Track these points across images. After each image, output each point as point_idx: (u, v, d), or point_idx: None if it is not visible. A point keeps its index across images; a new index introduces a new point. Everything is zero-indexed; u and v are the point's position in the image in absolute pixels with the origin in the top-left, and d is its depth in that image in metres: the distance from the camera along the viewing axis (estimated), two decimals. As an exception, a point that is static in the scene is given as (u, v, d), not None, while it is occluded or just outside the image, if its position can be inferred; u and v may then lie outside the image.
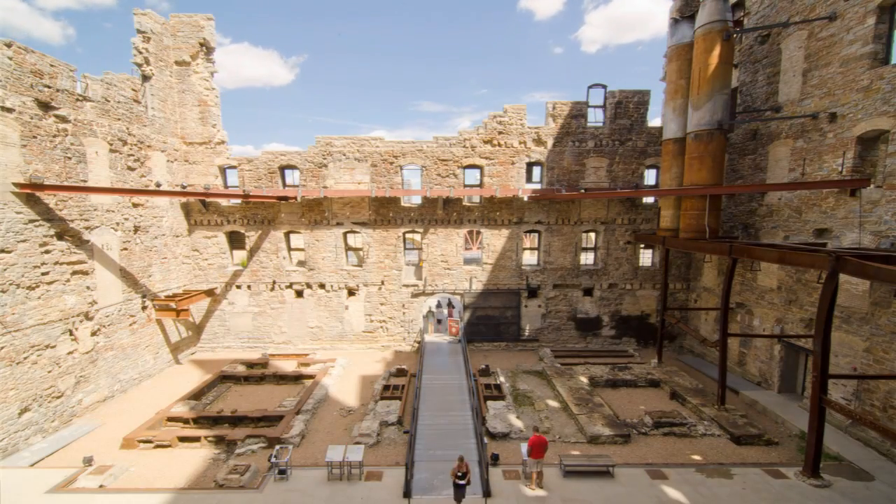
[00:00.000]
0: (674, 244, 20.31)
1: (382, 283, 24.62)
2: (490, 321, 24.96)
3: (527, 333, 25.05)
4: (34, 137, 14.84)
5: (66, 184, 15.98)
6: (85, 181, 16.93)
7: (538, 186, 24.50)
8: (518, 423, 15.68)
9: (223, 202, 23.95)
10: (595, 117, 23.91)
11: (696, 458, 13.84)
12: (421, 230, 24.44)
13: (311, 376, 20.26)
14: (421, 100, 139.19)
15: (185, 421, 15.90)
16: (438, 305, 28.51)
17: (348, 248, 25.33)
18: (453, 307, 26.51)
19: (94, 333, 17.32)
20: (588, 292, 24.89)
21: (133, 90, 19.88)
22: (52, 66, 15.43)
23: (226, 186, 24.54)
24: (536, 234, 25.00)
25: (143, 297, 20.37)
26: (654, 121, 23.91)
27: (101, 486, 12.16)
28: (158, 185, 21.04)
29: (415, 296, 24.86)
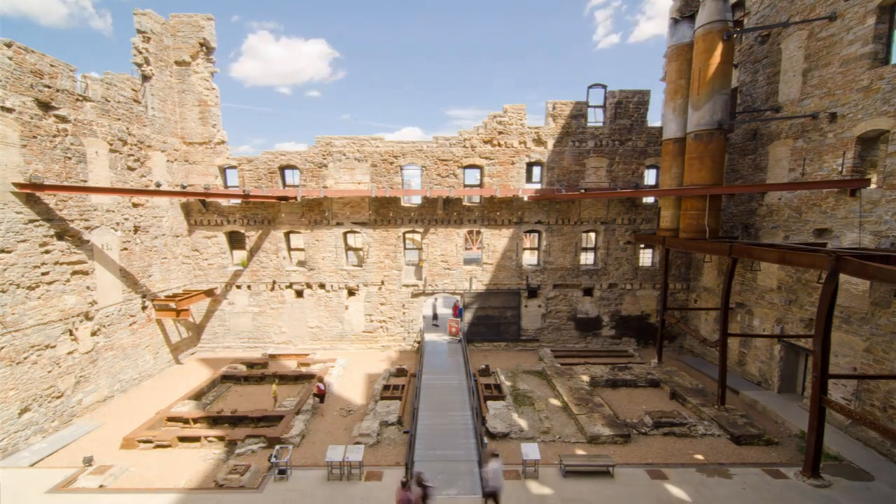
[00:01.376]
0: (674, 244, 20.31)
1: (382, 283, 24.62)
2: (490, 321, 24.96)
3: (527, 333, 25.05)
4: (34, 137, 14.84)
5: (66, 184, 15.98)
6: (85, 181, 16.93)
7: (538, 186, 24.49)
8: (518, 423, 15.68)
9: (223, 202, 23.95)
10: (595, 117, 23.92)
11: (698, 457, 13.84)
12: (421, 230, 24.43)
13: (311, 376, 20.26)
14: (465, 106, 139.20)
15: (185, 421, 15.90)
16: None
17: (348, 248, 25.33)
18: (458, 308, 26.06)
19: (94, 333, 17.32)
20: (588, 292, 24.89)
21: (133, 90, 19.88)
22: (52, 66, 15.43)
23: (226, 186, 24.54)
24: (536, 234, 25.00)
25: (143, 297, 20.37)
26: (654, 121, 23.96)
27: (101, 486, 12.16)
28: (158, 185, 21.04)
29: (415, 296, 24.86)
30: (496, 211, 24.21)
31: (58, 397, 15.66)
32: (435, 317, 28.77)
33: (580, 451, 14.11)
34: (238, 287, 24.75)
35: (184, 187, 22.94)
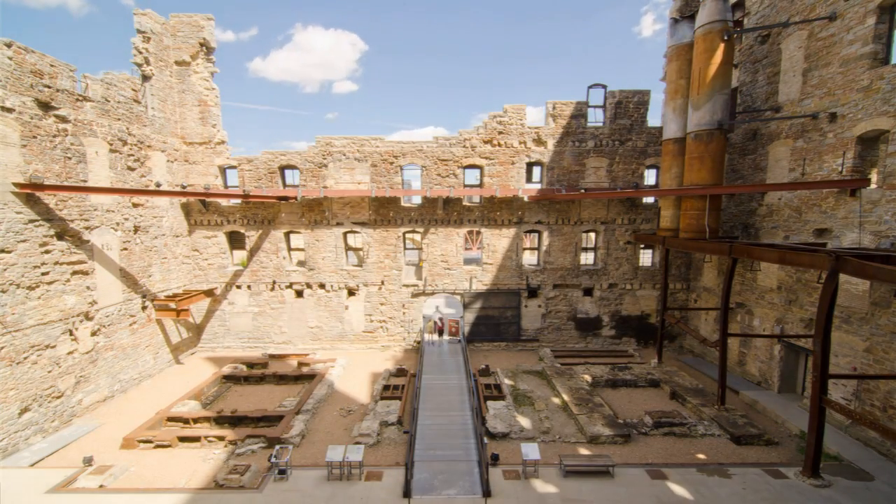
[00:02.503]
0: (674, 244, 20.31)
1: (382, 283, 24.62)
2: (490, 321, 24.96)
3: (527, 333, 25.04)
4: (34, 137, 14.84)
5: (66, 184, 15.98)
6: (85, 181, 16.93)
7: (538, 186, 24.49)
8: (518, 423, 15.68)
9: (223, 202, 23.95)
10: (595, 117, 23.92)
11: (698, 457, 13.84)
12: (421, 230, 24.43)
13: (311, 376, 20.27)
14: (497, 109, 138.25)
15: (185, 421, 15.90)
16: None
17: (348, 248, 25.33)
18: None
19: (94, 333, 17.32)
20: (588, 292, 24.89)
21: (133, 90, 19.88)
22: (52, 66, 15.43)
23: (226, 186, 24.54)
24: (536, 234, 24.99)
25: (143, 297, 20.36)
26: (654, 121, 23.95)
27: (101, 486, 12.16)
28: (158, 185, 21.04)
29: (415, 296, 24.86)
30: (496, 211, 24.21)
31: (58, 397, 15.65)
32: (441, 332, 25.91)
33: (580, 451, 14.12)
34: (238, 287, 24.74)
35: (184, 187, 22.93)
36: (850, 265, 10.97)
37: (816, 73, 16.11)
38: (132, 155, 19.60)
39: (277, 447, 13.46)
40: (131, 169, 19.58)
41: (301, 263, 25.46)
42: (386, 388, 18.70)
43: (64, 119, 15.96)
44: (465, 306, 24.94)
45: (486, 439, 13.86)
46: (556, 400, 18.10)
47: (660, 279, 23.46)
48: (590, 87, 23.62)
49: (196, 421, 15.89)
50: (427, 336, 25.19)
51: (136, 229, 19.89)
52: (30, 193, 14.64)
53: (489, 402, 17.16)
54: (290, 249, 24.98)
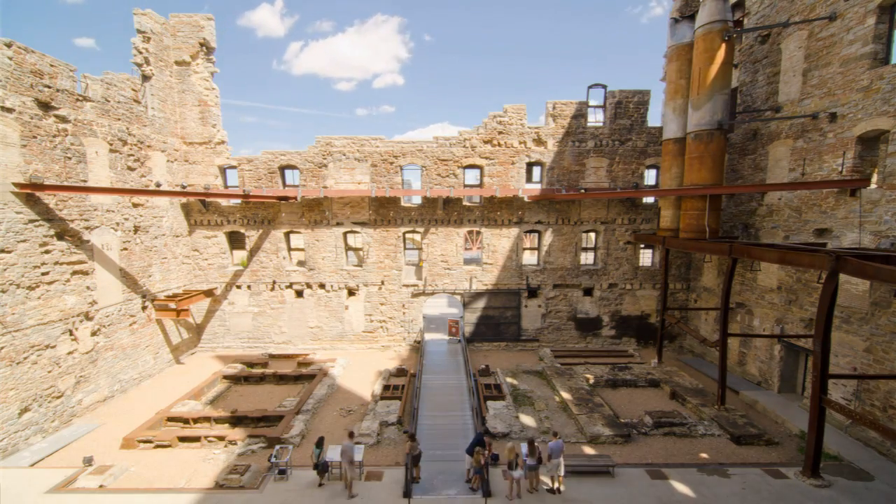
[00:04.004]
0: (674, 244, 20.31)
1: (382, 283, 24.62)
2: (490, 321, 24.96)
3: (527, 333, 25.05)
4: (34, 137, 14.84)
5: (66, 184, 15.98)
6: (85, 181, 16.93)
7: (538, 186, 24.49)
8: (518, 423, 15.67)
9: (223, 202, 23.95)
10: (595, 117, 23.92)
11: (699, 457, 13.84)
12: (421, 230, 24.44)
13: (311, 376, 20.27)
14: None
15: (185, 421, 15.90)
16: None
17: (348, 248, 25.33)
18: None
19: (94, 333, 17.32)
20: (588, 292, 24.89)
21: (133, 90, 19.88)
22: (52, 66, 15.43)
23: (226, 186, 24.54)
24: (536, 234, 25.00)
25: (143, 297, 20.36)
26: (654, 121, 23.95)
27: (100, 486, 12.16)
28: (158, 185, 21.04)
29: (415, 296, 24.86)
30: (496, 211, 24.21)
31: (58, 397, 15.65)
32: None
33: (581, 451, 14.12)
34: (238, 287, 24.74)
35: (184, 187, 22.93)
36: (850, 265, 10.97)
37: (816, 73, 16.11)
38: (132, 155, 19.60)
39: (277, 447, 13.45)
40: (131, 169, 19.58)
41: (301, 263, 25.46)
42: (386, 387, 18.70)
43: (64, 119, 15.96)
44: (465, 306, 24.94)
45: (486, 439, 13.83)
46: (557, 400, 18.10)
47: (660, 279, 23.46)
48: (590, 87, 23.64)
49: (196, 421, 15.89)
50: (427, 336, 25.16)
51: (136, 229, 19.89)
52: (30, 193, 14.64)
53: (489, 402, 17.16)
54: (290, 249, 24.98)
